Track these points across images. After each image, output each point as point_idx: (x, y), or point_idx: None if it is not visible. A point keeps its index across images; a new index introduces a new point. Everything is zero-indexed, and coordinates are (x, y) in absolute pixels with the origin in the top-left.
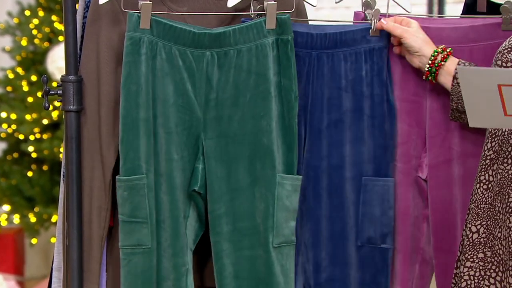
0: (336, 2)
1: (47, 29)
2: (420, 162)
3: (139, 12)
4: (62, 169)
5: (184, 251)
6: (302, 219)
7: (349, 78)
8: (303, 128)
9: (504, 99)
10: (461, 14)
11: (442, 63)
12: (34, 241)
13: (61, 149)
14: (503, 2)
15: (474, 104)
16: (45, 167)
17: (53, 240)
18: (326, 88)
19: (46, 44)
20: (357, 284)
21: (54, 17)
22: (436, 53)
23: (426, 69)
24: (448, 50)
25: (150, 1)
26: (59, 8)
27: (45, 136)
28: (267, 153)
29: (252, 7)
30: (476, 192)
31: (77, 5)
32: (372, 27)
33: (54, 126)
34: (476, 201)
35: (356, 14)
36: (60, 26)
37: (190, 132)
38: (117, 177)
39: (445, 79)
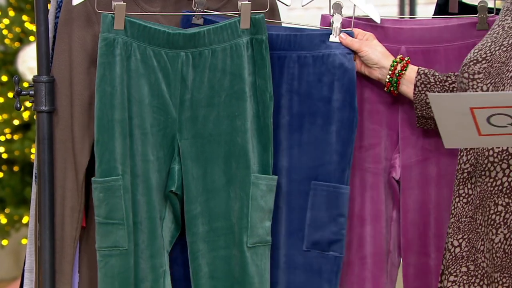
0: (302, 6)
1: (17, 29)
2: (392, 163)
3: (113, 13)
4: (34, 170)
5: (161, 252)
6: None
7: (304, 81)
8: None
9: (477, 121)
10: (433, 15)
11: (403, 72)
12: (4, 242)
13: (32, 150)
14: (476, 3)
15: (447, 126)
16: (15, 168)
17: (24, 241)
18: (279, 89)
19: (16, 44)
20: None
21: (24, 17)
22: (395, 63)
23: (387, 80)
24: (406, 59)
25: (123, 2)
26: (30, 8)
27: (16, 137)
28: (242, 153)
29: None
30: (456, 206)
31: (49, 5)
32: (333, 33)
33: (25, 127)
34: (457, 215)
35: (323, 17)
36: (31, 26)
37: (166, 133)
38: (92, 178)
39: (407, 88)
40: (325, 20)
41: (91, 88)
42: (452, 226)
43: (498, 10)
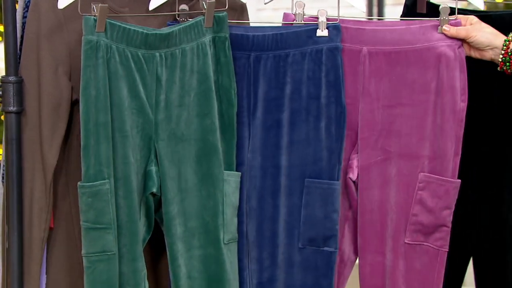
0: (265, 3)
1: None
2: (350, 163)
3: (95, 16)
4: (1, 171)
5: (142, 255)
6: (246, 219)
7: (294, 79)
8: (247, 129)
9: None
10: (401, 16)
11: None
12: None
13: (0, 151)
14: (448, 3)
15: None
16: None
17: None
18: (269, 89)
19: None
20: (300, 286)
21: None
22: (507, 42)
23: (501, 60)
24: None
25: (101, 4)
26: None
27: None
28: (213, 151)
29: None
30: None
31: (16, 5)
32: (319, 27)
33: None
34: None
35: (285, 15)
36: None
37: (143, 134)
38: (79, 183)
39: None
40: (288, 18)
41: (60, 89)
42: None
43: (460, 12)
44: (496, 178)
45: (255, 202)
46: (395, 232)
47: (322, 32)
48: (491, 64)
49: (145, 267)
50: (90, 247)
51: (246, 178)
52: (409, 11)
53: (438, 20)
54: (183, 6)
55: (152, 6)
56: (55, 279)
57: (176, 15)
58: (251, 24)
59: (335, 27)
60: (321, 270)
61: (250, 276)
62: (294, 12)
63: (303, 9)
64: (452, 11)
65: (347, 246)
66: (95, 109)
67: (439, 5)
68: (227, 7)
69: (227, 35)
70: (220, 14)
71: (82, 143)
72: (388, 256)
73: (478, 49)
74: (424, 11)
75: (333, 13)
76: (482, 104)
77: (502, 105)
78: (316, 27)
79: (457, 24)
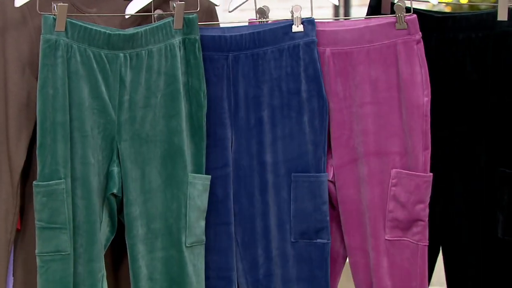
0: (229, 11)
1: None
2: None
3: (55, 15)
4: None
5: (100, 256)
6: (235, 220)
7: (274, 76)
8: (229, 130)
9: None
10: (366, 16)
11: None
12: None
13: None
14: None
15: None
16: None
17: None
18: (249, 88)
19: None
20: (296, 279)
21: None
22: None
23: None
24: None
25: (63, 3)
26: None
27: None
28: (179, 153)
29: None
30: None
31: None
32: (295, 23)
33: None
34: None
35: (250, 22)
36: None
37: (105, 135)
38: (34, 182)
39: None
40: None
41: (27, 89)
42: None
43: (415, 9)
44: (467, 172)
45: (245, 201)
46: (374, 230)
47: (297, 27)
48: (451, 57)
49: (103, 268)
50: (43, 247)
51: (232, 179)
52: (374, 12)
53: (394, 16)
54: (159, 11)
55: (129, 11)
56: (22, 281)
57: (153, 20)
58: (221, 25)
59: (309, 21)
60: (316, 262)
61: (243, 276)
62: (257, 19)
63: (268, 15)
64: (407, 9)
65: (337, 243)
66: (53, 108)
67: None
68: (198, 9)
69: (197, 37)
70: (190, 16)
71: (37, 141)
72: (371, 254)
73: None
74: (389, 12)
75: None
76: (448, 99)
77: (465, 99)
78: (291, 23)
79: (413, 20)
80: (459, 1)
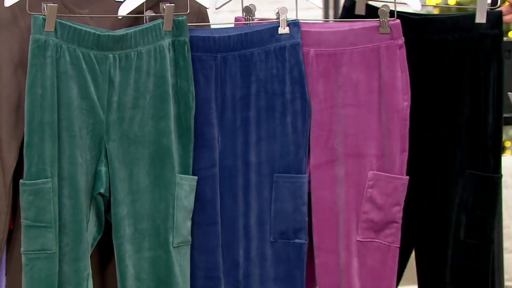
0: (216, 8)
1: None
2: None
3: (44, 15)
4: None
5: (86, 255)
6: (221, 220)
7: (260, 77)
8: (216, 131)
9: None
10: (340, 18)
11: None
12: None
13: None
14: (381, 6)
15: None
16: None
17: None
18: (236, 89)
19: None
20: (273, 279)
21: None
22: None
23: None
24: None
25: (53, 4)
26: None
27: None
28: (167, 154)
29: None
30: None
31: None
32: (281, 25)
33: None
34: None
35: (236, 19)
36: None
37: (93, 135)
38: (21, 181)
39: None
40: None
41: (19, 90)
42: None
43: (399, 14)
44: (442, 175)
45: (229, 201)
46: (347, 231)
47: (283, 29)
48: (426, 59)
49: (89, 267)
50: (29, 245)
51: (219, 179)
52: (348, 12)
53: (378, 21)
54: (150, 12)
55: (121, 12)
56: (15, 280)
57: (144, 21)
58: (211, 27)
59: (295, 24)
60: (293, 262)
61: (225, 276)
62: (244, 16)
63: (254, 13)
64: (391, 13)
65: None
66: (41, 107)
67: (377, 8)
68: (188, 11)
69: (187, 39)
70: (180, 18)
71: (25, 140)
72: (342, 254)
73: None
74: (363, 13)
75: (303, 14)
76: (425, 102)
77: (444, 103)
78: (277, 25)
79: (396, 25)
80: (447, 3)
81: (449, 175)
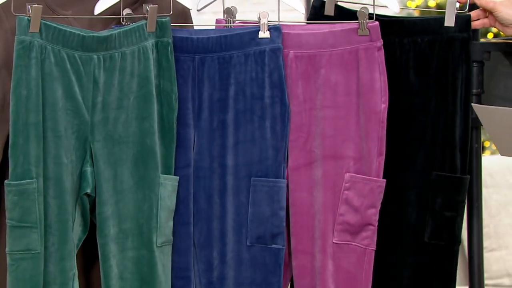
0: (198, 10)
1: None
2: None
3: (29, 16)
4: None
5: (72, 255)
6: (193, 220)
7: (239, 80)
8: (192, 131)
9: None
10: (308, 17)
11: None
12: None
13: None
14: (355, 9)
15: (499, 136)
16: None
17: None
18: (214, 91)
19: None
20: (249, 283)
21: None
22: None
23: None
24: None
25: (38, 5)
26: None
27: None
28: (151, 155)
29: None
30: None
31: None
32: (261, 29)
33: None
34: None
35: (217, 21)
36: None
37: (78, 135)
38: (6, 181)
39: None
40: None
41: (4, 91)
42: None
43: (378, 16)
44: (401, 179)
45: (204, 202)
46: (323, 233)
47: (264, 33)
48: (395, 61)
49: (75, 267)
50: (14, 245)
51: (193, 180)
52: (317, 12)
53: (357, 22)
54: (127, 11)
55: (97, 10)
56: (0, 280)
57: (121, 20)
58: (195, 27)
59: (276, 28)
60: (270, 267)
61: (197, 277)
62: (225, 18)
63: (235, 15)
64: (369, 16)
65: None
66: (26, 108)
67: (348, 10)
68: (171, 12)
69: (170, 40)
70: (163, 19)
71: (10, 141)
72: (318, 257)
73: (502, 24)
74: (332, 14)
75: (285, 15)
76: (395, 103)
77: (412, 105)
78: (258, 29)
79: (375, 27)
80: (427, 5)
81: (415, 177)
